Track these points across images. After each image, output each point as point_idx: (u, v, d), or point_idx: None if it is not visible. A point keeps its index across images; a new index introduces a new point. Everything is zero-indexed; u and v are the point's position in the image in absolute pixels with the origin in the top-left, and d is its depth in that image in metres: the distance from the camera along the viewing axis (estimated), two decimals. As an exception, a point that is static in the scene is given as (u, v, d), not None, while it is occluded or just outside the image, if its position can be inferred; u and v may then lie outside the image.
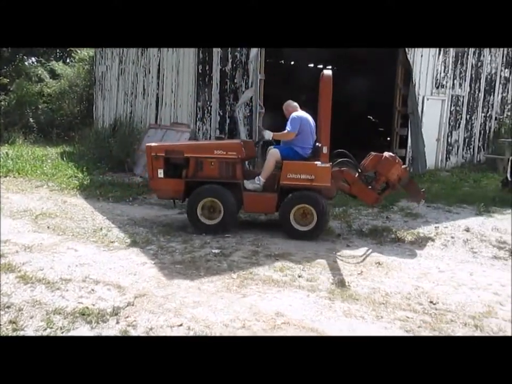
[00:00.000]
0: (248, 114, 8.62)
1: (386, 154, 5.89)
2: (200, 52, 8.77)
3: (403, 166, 5.86)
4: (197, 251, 5.00)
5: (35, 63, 21.13)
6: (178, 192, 5.77)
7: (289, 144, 5.73)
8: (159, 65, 10.57)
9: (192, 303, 3.70)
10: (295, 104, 5.96)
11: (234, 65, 8.61)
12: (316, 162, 5.48)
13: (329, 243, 5.42)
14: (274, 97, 8.76)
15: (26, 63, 21.27)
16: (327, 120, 5.41)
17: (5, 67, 20.40)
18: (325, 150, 5.44)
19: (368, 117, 19.68)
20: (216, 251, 4.98)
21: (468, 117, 12.87)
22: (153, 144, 6.06)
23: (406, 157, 11.45)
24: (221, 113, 8.73)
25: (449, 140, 12.55)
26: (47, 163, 11.23)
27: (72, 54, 20.35)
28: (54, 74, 20.09)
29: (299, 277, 4.34)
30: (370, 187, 5.88)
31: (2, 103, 18.59)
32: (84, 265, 4.46)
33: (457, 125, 12.68)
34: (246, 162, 6.43)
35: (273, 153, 5.72)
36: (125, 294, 3.85)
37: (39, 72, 19.99)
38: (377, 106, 15.64)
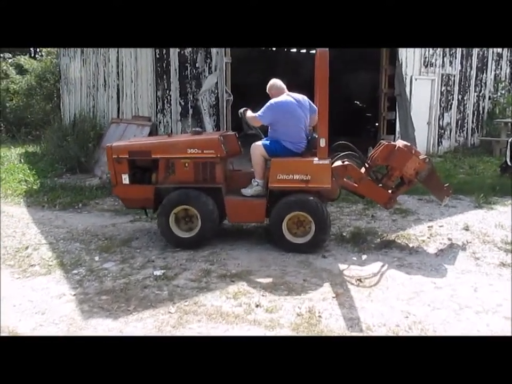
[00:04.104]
0: (214, 102, 7.59)
1: (399, 143, 4.80)
2: (157, 34, 7.71)
3: (421, 157, 4.73)
4: (135, 274, 4.03)
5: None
6: (148, 200, 4.73)
7: (276, 137, 4.65)
8: (118, 52, 9.50)
9: (106, 356, 2.74)
10: (279, 85, 4.75)
11: (195, 48, 7.56)
12: (312, 159, 4.46)
13: (300, 253, 4.46)
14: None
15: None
16: (324, 106, 4.33)
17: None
18: (322, 142, 4.35)
19: (355, 102, 18.71)
20: (159, 273, 4.01)
21: (459, 97, 11.93)
22: (114, 144, 4.98)
23: (395, 143, 10.50)
24: (182, 103, 7.69)
25: (440, 123, 11.60)
26: (1, 166, 10.20)
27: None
28: (21, 70, 18.92)
29: (257, 306, 3.38)
30: (381, 184, 4.79)
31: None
32: (-18, 302, 3.49)
33: (449, 106, 11.73)
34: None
35: (257, 148, 4.63)
36: (20, 345, 2.88)
37: (4, 68, 18.78)
38: (362, 90, 14.68)
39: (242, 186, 4.79)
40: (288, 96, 4.65)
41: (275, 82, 4.80)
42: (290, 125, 4.55)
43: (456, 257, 4.40)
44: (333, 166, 4.60)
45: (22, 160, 10.88)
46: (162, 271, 4.04)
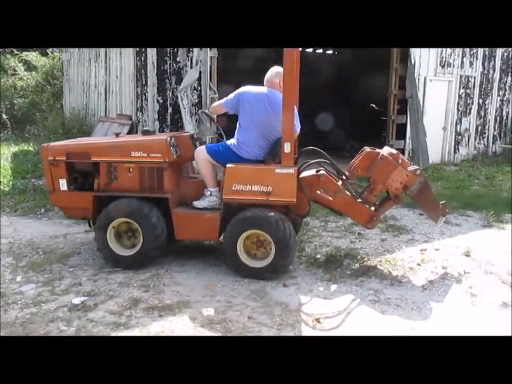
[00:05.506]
0: (196, 100, 6.92)
1: (384, 151, 3.96)
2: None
3: (410, 169, 3.93)
4: (52, 301, 3.36)
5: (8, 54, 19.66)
6: (89, 210, 4.11)
7: (236, 136, 3.96)
8: (106, 47, 8.96)
9: None
10: (268, 77, 3.96)
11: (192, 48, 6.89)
12: (275, 167, 3.74)
13: (258, 280, 3.72)
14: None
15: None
16: (290, 103, 3.59)
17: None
18: (287, 148, 3.63)
19: (371, 105, 17.79)
20: (78, 301, 3.33)
21: (480, 101, 10.93)
22: (50, 144, 4.39)
23: (405, 149, 9.61)
24: (161, 101, 7.05)
25: (458, 129, 10.64)
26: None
27: (50, 44, 18.95)
28: (29, 66, 18.71)
29: (175, 354, 2.68)
30: (360, 200, 4.01)
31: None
32: None
33: (468, 111, 10.75)
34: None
35: (200, 152, 4.00)
36: None
37: (13, 64, 18.61)
38: (374, 91, 13.80)
39: (200, 196, 4.09)
40: (263, 90, 3.89)
41: (273, 70, 3.96)
42: (247, 121, 3.84)
43: (448, 292, 3.58)
44: (302, 175, 3.85)
45: (9, 159, 10.48)
46: (83, 299, 3.36)
